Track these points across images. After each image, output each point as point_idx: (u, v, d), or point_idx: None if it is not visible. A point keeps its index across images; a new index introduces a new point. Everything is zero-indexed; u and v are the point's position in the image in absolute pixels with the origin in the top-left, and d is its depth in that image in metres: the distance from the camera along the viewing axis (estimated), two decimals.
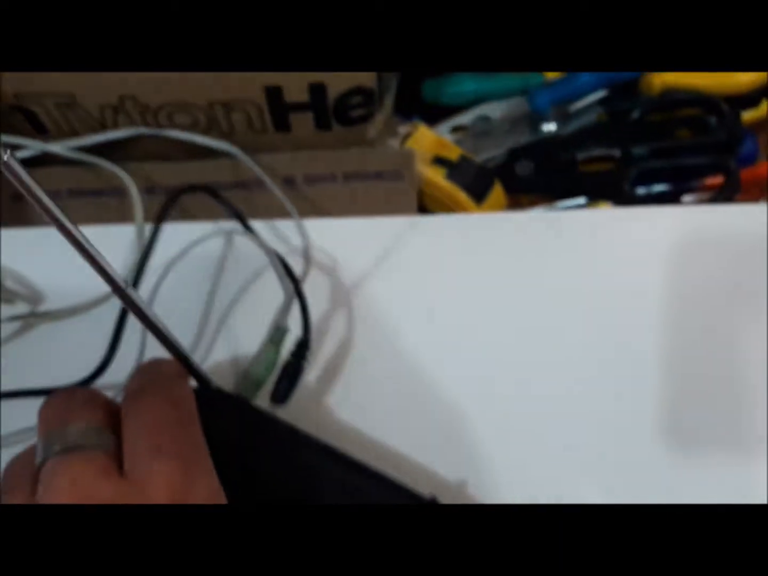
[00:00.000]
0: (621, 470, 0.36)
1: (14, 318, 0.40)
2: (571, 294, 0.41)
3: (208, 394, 0.32)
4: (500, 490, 0.36)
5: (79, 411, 0.27)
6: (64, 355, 0.39)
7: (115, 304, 0.40)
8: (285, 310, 0.38)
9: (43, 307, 0.41)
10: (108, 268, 0.25)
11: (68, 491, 0.24)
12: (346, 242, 0.43)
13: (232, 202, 0.41)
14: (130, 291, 0.26)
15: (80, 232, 0.24)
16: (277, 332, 0.37)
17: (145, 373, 0.30)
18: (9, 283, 0.42)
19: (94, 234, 0.43)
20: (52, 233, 0.43)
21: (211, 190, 0.41)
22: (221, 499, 0.26)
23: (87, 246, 0.24)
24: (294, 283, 0.38)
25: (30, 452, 0.27)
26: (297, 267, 0.40)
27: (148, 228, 0.43)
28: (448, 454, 0.37)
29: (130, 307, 0.27)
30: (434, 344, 0.39)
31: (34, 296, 0.42)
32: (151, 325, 0.28)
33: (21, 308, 0.41)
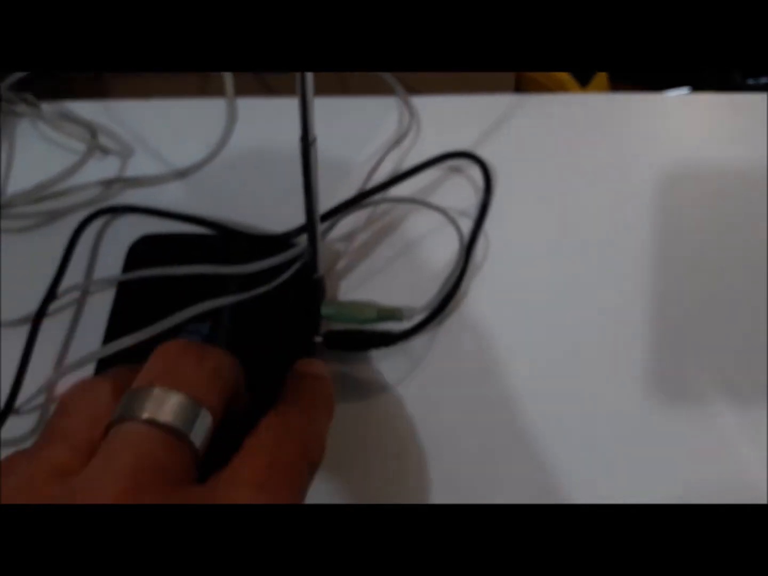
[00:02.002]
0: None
1: (105, 182, 0.41)
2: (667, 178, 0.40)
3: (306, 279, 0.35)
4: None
5: (192, 372, 0.24)
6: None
7: (198, 178, 0.41)
8: None
9: (131, 167, 0.42)
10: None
11: (131, 469, 0.21)
12: (444, 119, 0.43)
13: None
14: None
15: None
16: (392, 312, 0.36)
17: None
18: (103, 139, 0.43)
19: (186, 107, 0.45)
20: (144, 106, 0.45)
21: None
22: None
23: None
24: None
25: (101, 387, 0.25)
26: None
27: (237, 102, 0.43)
28: None
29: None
30: (531, 219, 0.40)
31: (125, 152, 0.43)
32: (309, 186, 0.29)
33: (113, 163, 0.42)
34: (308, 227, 0.32)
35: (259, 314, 0.35)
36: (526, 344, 0.36)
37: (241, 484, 0.22)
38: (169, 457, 0.21)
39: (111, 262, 0.38)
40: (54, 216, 0.41)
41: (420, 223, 0.40)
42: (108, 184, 0.41)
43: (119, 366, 0.27)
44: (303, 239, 0.37)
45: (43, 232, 0.40)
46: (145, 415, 0.22)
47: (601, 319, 0.37)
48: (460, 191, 0.40)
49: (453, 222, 0.37)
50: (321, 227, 0.33)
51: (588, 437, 0.34)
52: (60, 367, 0.36)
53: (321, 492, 0.25)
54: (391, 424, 0.35)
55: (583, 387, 0.35)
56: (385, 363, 0.36)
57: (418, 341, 0.36)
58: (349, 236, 0.39)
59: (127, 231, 0.39)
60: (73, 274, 0.39)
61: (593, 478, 0.33)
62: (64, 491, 0.21)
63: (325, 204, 0.36)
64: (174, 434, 0.22)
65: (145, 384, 0.23)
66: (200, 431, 0.22)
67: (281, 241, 0.38)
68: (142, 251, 0.37)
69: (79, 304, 0.38)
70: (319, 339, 0.35)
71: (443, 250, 0.39)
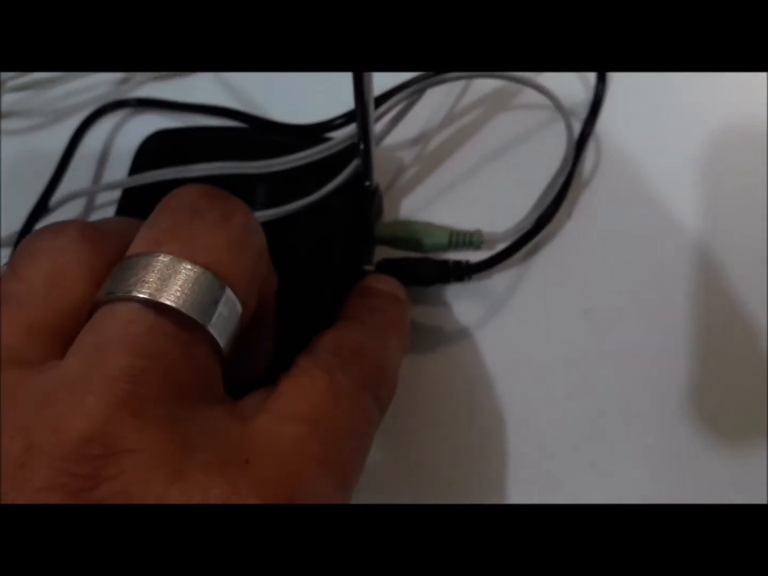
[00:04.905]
0: None
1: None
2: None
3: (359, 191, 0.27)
4: None
5: (214, 234, 0.17)
6: None
7: None
8: None
9: None
10: None
11: (127, 374, 0.15)
12: None
13: None
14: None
15: None
16: (468, 236, 0.28)
17: None
18: None
19: None
20: None
21: None
22: None
23: None
24: None
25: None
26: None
27: None
28: None
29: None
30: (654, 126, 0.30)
31: None
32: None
33: None
34: (357, 107, 0.23)
35: (294, 232, 0.27)
36: (641, 285, 0.27)
37: (289, 418, 0.17)
38: (183, 357, 0.15)
39: (121, 169, 0.31)
40: (57, 114, 0.34)
41: (507, 119, 0.30)
42: (124, 77, 0.34)
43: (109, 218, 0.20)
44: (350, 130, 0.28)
45: (43, 130, 0.33)
46: (145, 293, 0.16)
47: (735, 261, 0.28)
48: (563, 79, 0.30)
49: (561, 110, 0.28)
50: (376, 112, 0.24)
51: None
52: None
53: (368, 464, 0.19)
54: (461, 383, 0.27)
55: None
56: (457, 303, 0.28)
57: (500, 276, 0.28)
58: (415, 140, 0.30)
59: (142, 131, 0.31)
60: (74, 182, 0.31)
61: None
62: (29, 393, 0.15)
63: (381, 84, 0.27)
64: (187, 323, 0.16)
65: (147, 248, 0.16)
66: (224, 321, 0.16)
67: (322, 131, 0.29)
68: (155, 149, 0.30)
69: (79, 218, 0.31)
70: (370, 268, 0.27)
71: (539, 156, 0.29)
